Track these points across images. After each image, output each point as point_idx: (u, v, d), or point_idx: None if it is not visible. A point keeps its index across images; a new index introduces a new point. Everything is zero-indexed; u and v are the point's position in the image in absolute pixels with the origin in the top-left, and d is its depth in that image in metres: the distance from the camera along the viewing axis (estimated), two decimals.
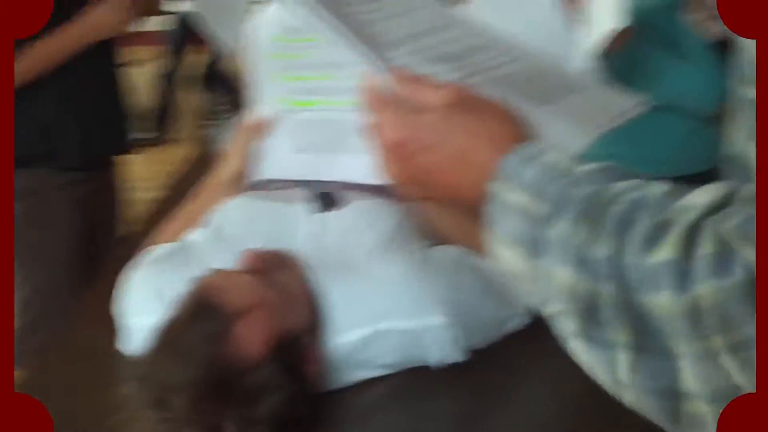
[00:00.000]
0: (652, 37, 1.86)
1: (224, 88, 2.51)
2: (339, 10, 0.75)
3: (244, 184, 1.57)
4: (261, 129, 1.52)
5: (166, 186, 2.29)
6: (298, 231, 1.39)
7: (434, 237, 1.46)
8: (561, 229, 0.60)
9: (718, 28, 1.72)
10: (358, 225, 1.39)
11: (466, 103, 0.71)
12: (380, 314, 1.28)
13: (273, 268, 1.25)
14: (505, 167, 0.66)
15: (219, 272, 1.22)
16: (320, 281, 1.30)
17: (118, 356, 1.39)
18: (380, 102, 0.75)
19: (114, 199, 2.47)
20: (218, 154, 2.31)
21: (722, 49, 1.72)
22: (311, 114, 1.51)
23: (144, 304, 1.34)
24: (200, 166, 2.45)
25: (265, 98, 1.52)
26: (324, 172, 1.55)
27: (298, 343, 1.18)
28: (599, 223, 0.58)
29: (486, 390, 1.31)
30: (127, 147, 2.43)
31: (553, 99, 0.77)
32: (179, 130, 5.66)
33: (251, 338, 1.10)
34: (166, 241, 1.48)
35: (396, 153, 0.73)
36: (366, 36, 0.75)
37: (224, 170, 1.55)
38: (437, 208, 1.49)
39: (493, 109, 0.71)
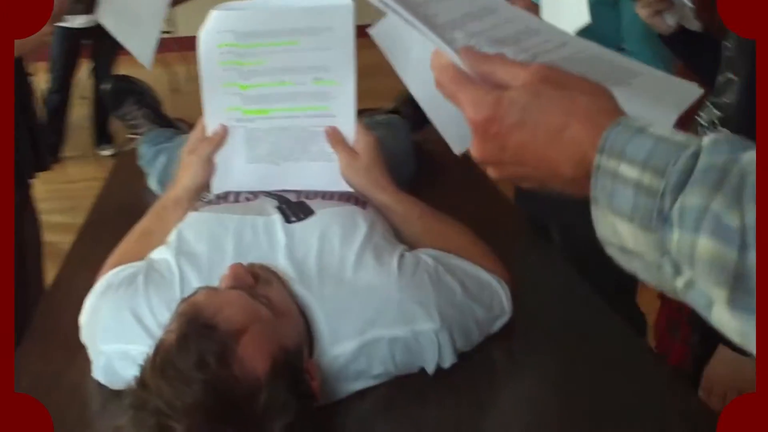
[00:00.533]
0: (592, 31, 1.88)
1: (137, 102, 2.41)
2: None
3: (201, 198, 1.52)
4: (216, 140, 1.47)
5: (92, 204, 2.20)
6: (270, 243, 1.35)
7: (404, 240, 1.45)
8: (694, 199, 0.59)
9: (667, 22, 1.75)
10: (331, 233, 1.35)
11: (554, 79, 0.69)
12: (371, 323, 1.26)
13: (259, 283, 1.21)
14: (611, 140, 0.64)
15: (209, 290, 1.16)
16: (303, 293, 1.26)
17: (83, 385, 1.32)
18: (459, 80, 0.73)
19: (36, 219, 2.36)
20: (141, 169, 2.25)
21: (672, 43, 1.76)
22: (266, 122, 1.47)
23: (121, 329, 1.27)
24: (121, 182, 2.37)
25: (215, 108, 1.47)
26: (284, 182, 1.51)
27: (297, 358, 1.14)
28: (738, 192, 0.57)
29: (474, 391, 1.31)
30: (48, 164, 2.32)
31: (623, 81, 0.76)
32: (72, 148, 5.47)
33: (253, 357, 1.05)
34: (127, 261, 1.41)
35: (483, 132, 0.71)
36: (423, 16, 0.72)
37: (182, 184, 1.49)
38: (412, 210, 1.47)
39: (582, 85, 0.70)
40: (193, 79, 7.63)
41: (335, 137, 1.45)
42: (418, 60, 1.72)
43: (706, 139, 0.61)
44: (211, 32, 1.38)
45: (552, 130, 0.68)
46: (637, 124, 0.64)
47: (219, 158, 1.48)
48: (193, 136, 1.50)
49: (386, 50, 1.71)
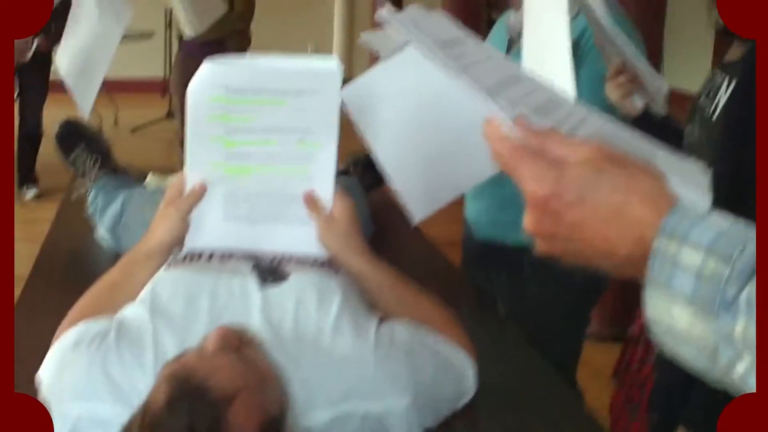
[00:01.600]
0: None
1: (88, 147, 2.38)
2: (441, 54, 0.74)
3: (174, 254, 1.50)
4: (196, 195, 1.45)
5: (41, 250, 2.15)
6: (244, 305, 1.34)
7: (378, 309, 1.45)
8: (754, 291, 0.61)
9: (635, 105, 1.80)
10: (307, 298, 1.36)
11: (613, 159, 0.71)
12: (346, 396, 1.26)
13: (243, 347, 1.20)
14: (672, 224, 0.66)
15: (199, 352, 1.15)
16: (280, 358, 1.25)
17: None
18: (520, 153, 0.73)
19: None
20: (88, 216, 2.21)
21: (635, 125, 1.81)
22: (247, 181, 1.46)
23: (90, 388, 1.24)
24: (66, 228, 2.33)
25: (198, 162, 1.45)
26: (260, 243, 1.50)
27: (281, 425, 1.13)
28: None
29: None
30: None
31: (650, 158, 0.79)
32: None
33: (244, 423, 1.04)
34: (93, 315, 1.38)
35: (543, 207, 0.72)
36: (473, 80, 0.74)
37: (156, 237, 1.47)
38: (397, 281, 1.47)
39: (639, 167, 0.72)
40: (120, 125, 7.56)
41: (313, 202, 1.45)
42: (386, 124, 1.75)
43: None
44: (204, 84, 1.37)
45: (613, 208, 0.69)
46: (698, 211, 0.67)
47: (195, 214, 1.47)
48: (173, 189, 1.47)
49: (354, 112, 1.73)
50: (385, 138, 1.76)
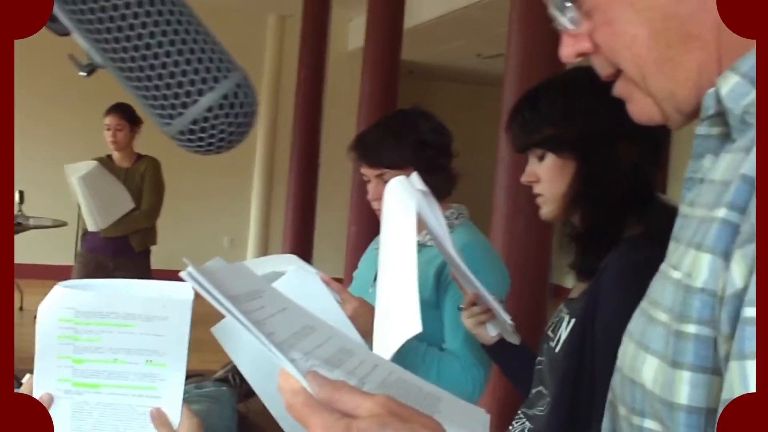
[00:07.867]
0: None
1: None
2: (238, 307, 0.80)
3: None
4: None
5: None
6: None
7: None
8: None
9: (489, 333, 1.87)
10: None
11: (396, 413, 0.77)
12: None
13: None
14: None
15: None
16: None
17: None
18: (311, 405, 0.79)
19: None
20: None
21: (492, 351, 1.88)
22: (95, 396, 1.49)
23: None
24: None
25: (45, 378, 1.49)
26: None
27: None
28: None
29: None
30: None
31: (434, 407, 0.87)
32: None
33: None
34: None
35: None
36: (266, 334, 0.80)
37: None
38: None
39: (421, 421, 0.78)
40: (26, 310, 7.47)
41: (160, 419, 1.48)
42: (254, 355, 1.83)
43: None
44: (53, 306, 1.44)
45: None
46: None
47: None
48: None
49: (225, 345, 1.83)
50: (255, 368, 1.85)
